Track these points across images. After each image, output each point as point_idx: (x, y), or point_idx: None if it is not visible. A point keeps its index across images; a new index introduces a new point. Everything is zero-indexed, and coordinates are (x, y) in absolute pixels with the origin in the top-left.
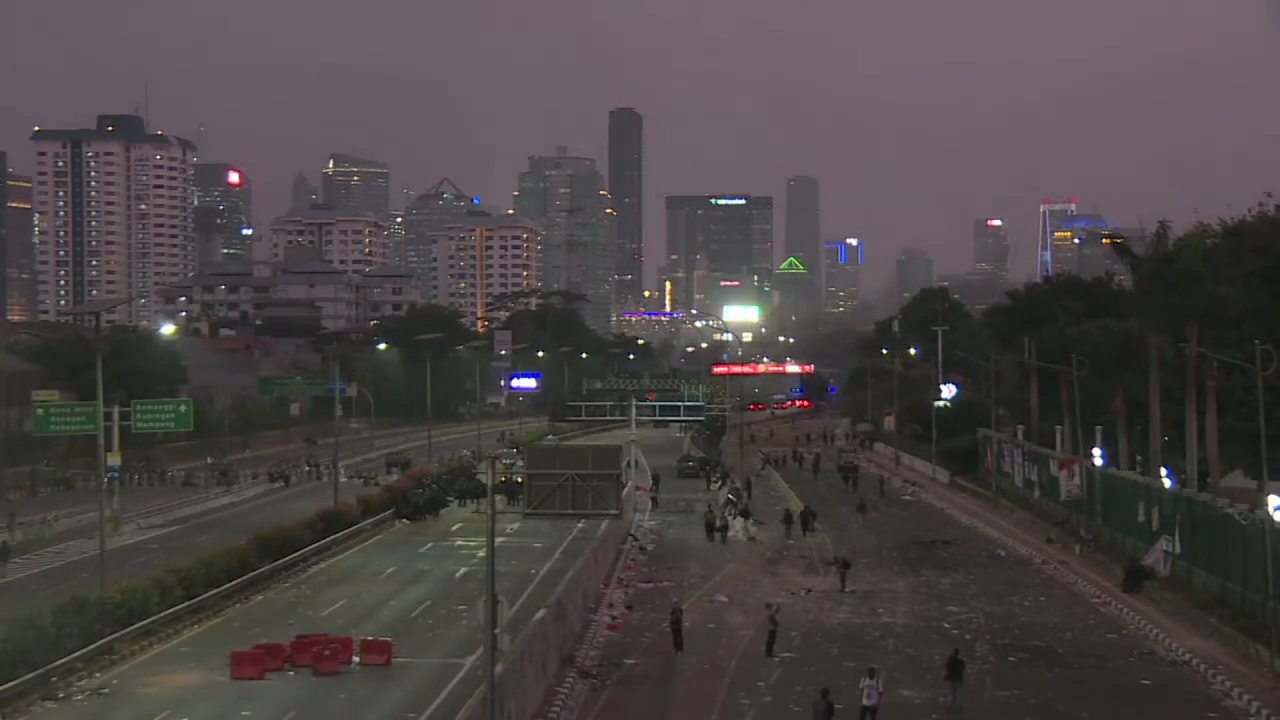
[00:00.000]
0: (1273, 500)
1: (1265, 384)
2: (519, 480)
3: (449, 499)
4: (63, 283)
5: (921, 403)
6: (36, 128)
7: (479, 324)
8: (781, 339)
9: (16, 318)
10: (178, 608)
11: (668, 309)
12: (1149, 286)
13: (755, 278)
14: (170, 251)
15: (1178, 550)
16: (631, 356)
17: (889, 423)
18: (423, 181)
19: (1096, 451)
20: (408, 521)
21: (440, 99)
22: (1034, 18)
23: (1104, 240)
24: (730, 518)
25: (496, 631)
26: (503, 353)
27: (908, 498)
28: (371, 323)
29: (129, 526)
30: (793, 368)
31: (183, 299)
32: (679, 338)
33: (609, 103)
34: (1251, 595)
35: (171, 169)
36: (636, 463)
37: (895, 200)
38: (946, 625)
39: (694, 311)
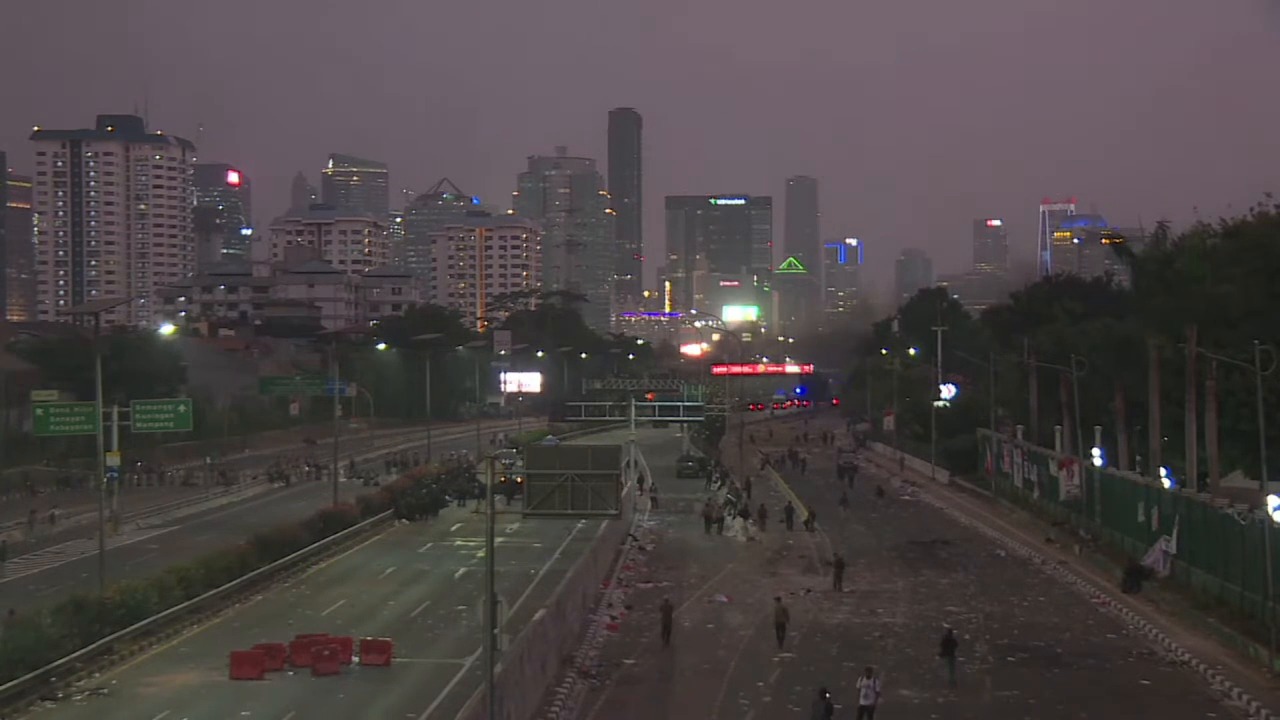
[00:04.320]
0: (1273, 500)
1: (1265, 384)
2: (518, 480)
3: (448, 499)
4: (62, 283)
5: (921, 403)
6: (36, 128)
7: (479, 324)
8: (781, 339)
9: (16, 318)
10: (177, 608)
11: (667, 309)
12: (1148, 287)
13: (755, 278)
14: (170, 251)
15: (1176, 550)
16: (631, 356)
17: (889, 423)
18: (422, 181)
19: (1096, 451)
20: (407, 521)
21: (440, 99)
22: (1034, 18)
23: (1104, 240)
24: (730, 518)
25: (496, 631)
26: (502, 353)
27: (907, 498)
28: (371, 323)
29: (128, 526)
30: (792, 368)
31: (182, 299)
32: (679, 336)
33: (609, 103)
34: (1250, 595)
35: (171, 169)
36: (635, 462)
37: (895, 200)
38: (946, 625)
39: (693, 311)
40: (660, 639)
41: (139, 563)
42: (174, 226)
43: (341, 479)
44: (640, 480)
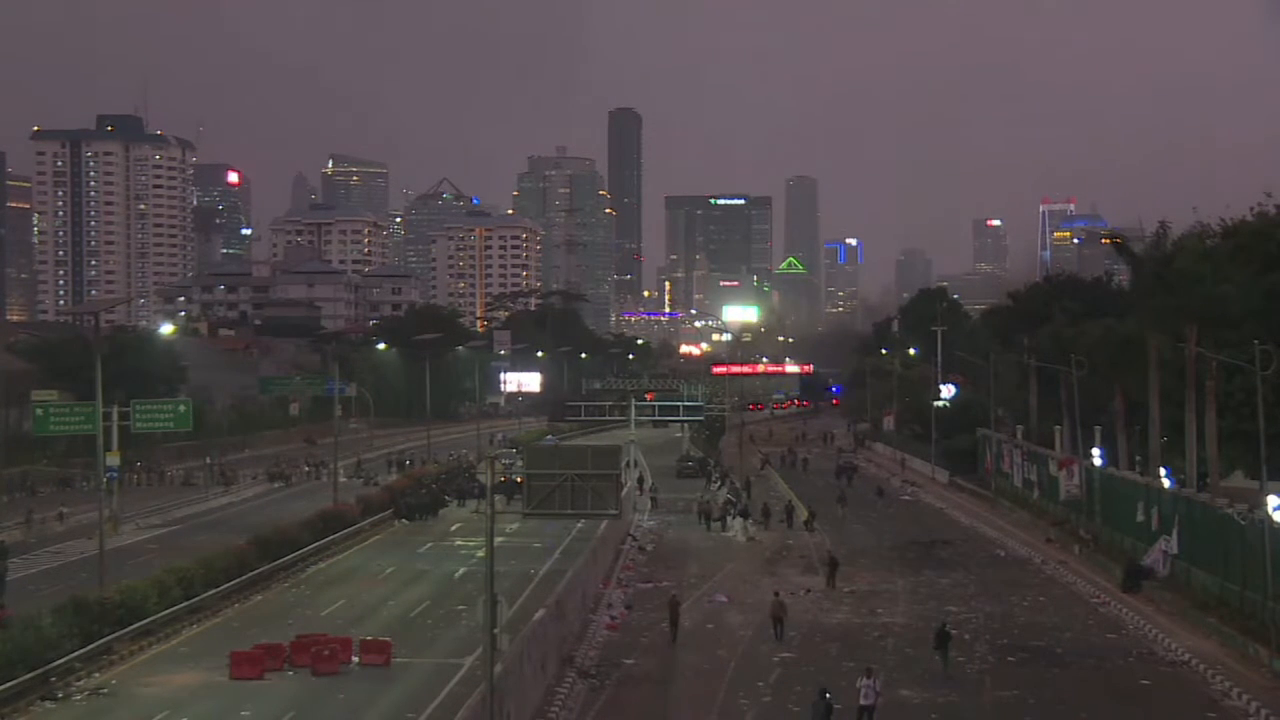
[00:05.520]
0: (1272, 500)
1: (1265, 384)
2: (518, 480)
3: (448, 499)
4: (62, 283)
5: (921, 403)
6: (36, 128)
7: (478, 324)
8: (781, 339)
9: (16, 318)
10: (177, 608)
11: (667, 309)
12: (1147, 287)
13: (754, 278)
14: (169, 251)
15: (1176, 550)
16: (631, 356)
17: (888, 423)
18: (422, 181)
19: (1096, 451)
20: (407, 522)
21: (440, 99)
22: (1034, 18)
23: (1103, 240)
24: (730, 518)
25: (496, 631)
26: (502, 352)
27: (907, 498)
28: (371, 323)
29: (128, 526)
30: (792, 368)
31: (182, 299)
32: (679, 336)
33: (609, 103)
34: (1250, 595)
35: (171, 169)
36: (635, 462)
37: (895, 200)
38: (950, 630)
39: (693, 311)
40: (668, 635)
41: (139, 563)
42: (174, 226)
43: (341, 479)
44: (640, 480)
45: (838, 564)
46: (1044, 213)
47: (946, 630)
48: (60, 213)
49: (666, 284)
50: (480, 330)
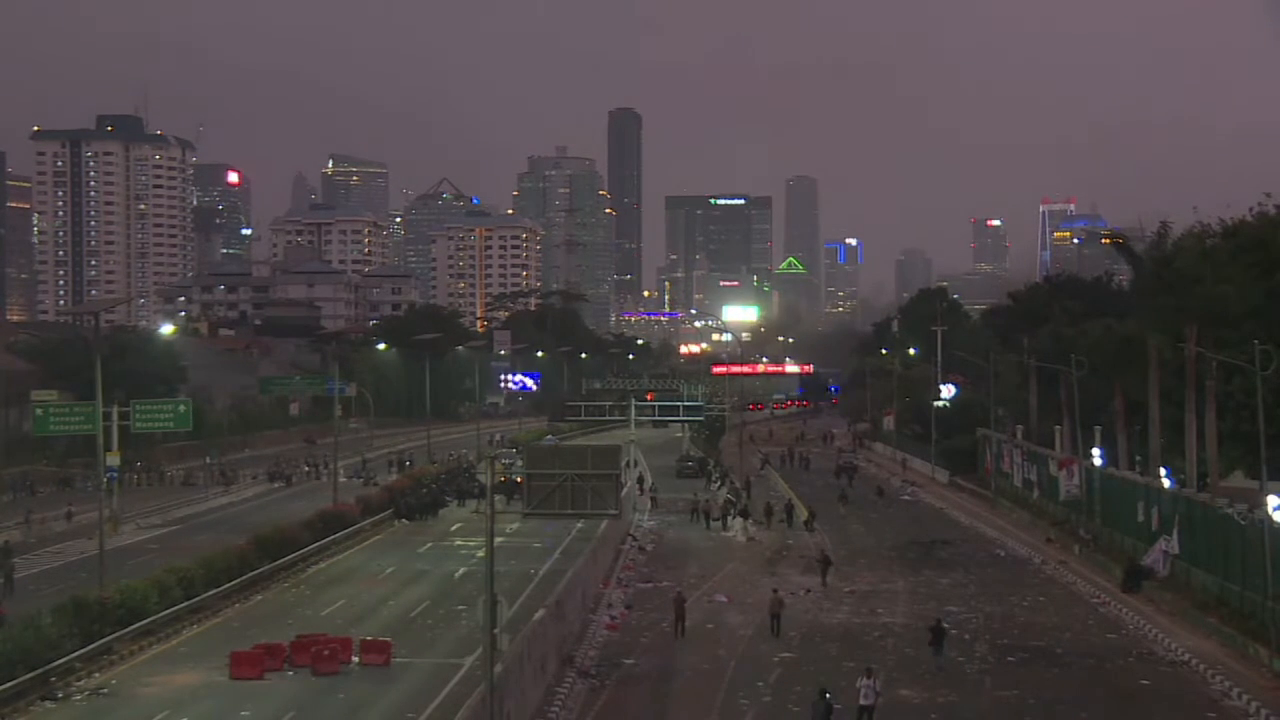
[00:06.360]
0: (1272, 500)
1: (1265, 384)
2: (518, 480)
3: (448, 499)
4: (62, 283)
5: (921, 403)
6: (36, 127)
7: (478, 324)
8: (781, 339)
9: (16, 318)
10: (177, 608)
11: (667, 309)
12: (1148, 287)
13: (754, 278)
14: (169, 251)
15: (1177, 550)
16: (631, 356)
17: (889, 423)
18: (422, 181)
19: (1096, 451)
20: (407, 521)
21: (440, 99)
22: (1033, 18)
23: (1104, 240)
24: (730, 517)
25: (496, 631)
26: (502, 353)
27: (907, 498)
28: (371, 323)
29: (128, 526)
30: (792, 368)
31: (182, 299)
32: (679, 336)
33: (609, 103)
34: (1250, 595)
35: (171, 169)
36: (635, 462)
37: (895, 200)
38: (946, 625)
39: (693, 311)
40: (670, 635)
41: (139, 563)
42: (174, 226)
43: (341, 478)
44: (640, 480)
45: (830, 563)
46: (1044, 213)
47: (942, 627)
48: (60, 213)
49: (666, 284)
50: (480, 330)
